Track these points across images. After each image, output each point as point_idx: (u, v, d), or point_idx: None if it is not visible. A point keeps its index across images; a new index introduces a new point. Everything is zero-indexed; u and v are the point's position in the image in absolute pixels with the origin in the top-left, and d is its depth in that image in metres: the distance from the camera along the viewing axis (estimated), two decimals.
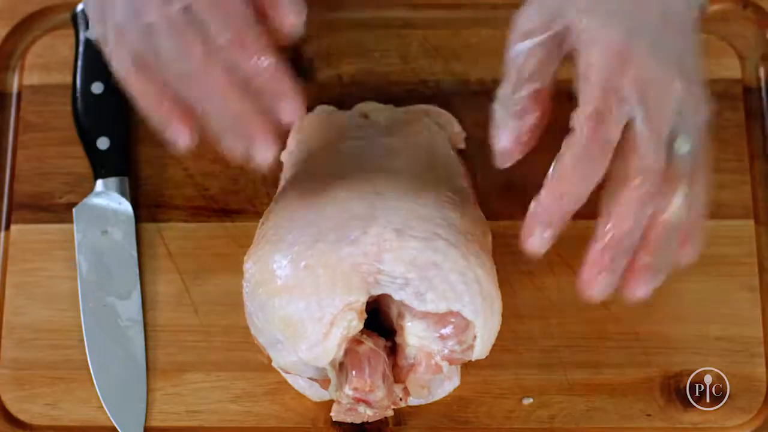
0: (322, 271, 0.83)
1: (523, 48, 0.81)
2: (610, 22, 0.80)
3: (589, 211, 0.97)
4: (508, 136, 0.81)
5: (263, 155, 0.79)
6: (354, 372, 0.83)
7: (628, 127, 0.80)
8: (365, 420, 0.86)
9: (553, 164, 0.80)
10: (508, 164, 0.82)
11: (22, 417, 0.92)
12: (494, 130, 0.82)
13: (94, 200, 0.96)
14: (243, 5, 0.79)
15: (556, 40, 0.81)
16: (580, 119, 0.79)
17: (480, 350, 0.85)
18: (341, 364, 0.84)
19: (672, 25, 0.83)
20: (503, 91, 0.82)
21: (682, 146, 0.83)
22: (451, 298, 0.83)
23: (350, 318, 0.83)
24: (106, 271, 0.95)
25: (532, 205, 0.80)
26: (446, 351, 0.84)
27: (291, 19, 0.81)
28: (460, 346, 0.84)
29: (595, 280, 0.80)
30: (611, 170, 0.80)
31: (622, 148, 0.80)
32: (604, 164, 0.79)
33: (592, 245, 0.80)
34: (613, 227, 0.80)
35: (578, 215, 0.96)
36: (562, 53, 0.81)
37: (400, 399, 0.86)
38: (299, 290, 0.83)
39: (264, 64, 0.79)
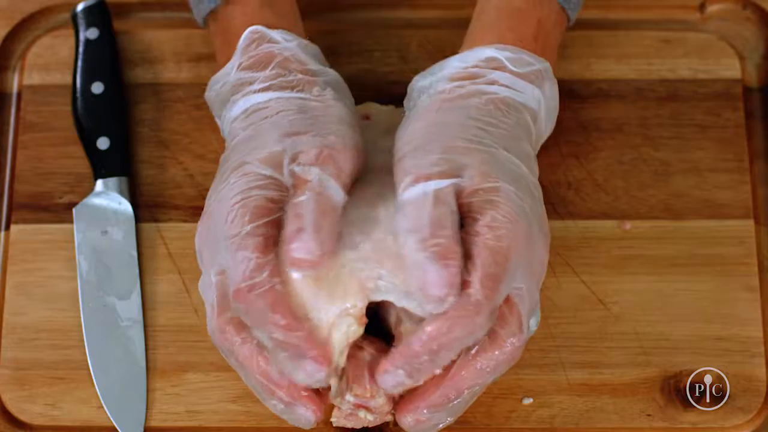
0: (321, 277, 0.83)
1: (424, 189, 0.81)
2: (505, 192, 0.82)
3: (589, 210, 0.97)
4: (444, 284, 0.79)
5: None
6: (355, 378, 0.83)
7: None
8: (365, 425, 0.86)
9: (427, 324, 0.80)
10: (442, 308, 0.80)
11: (22, 417, 0.92)
12: (423, 278, 0.79)
13: (94, 200, 0.96)
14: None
15: (453, 184, 0.82)
16: (475, 289, 0.79)
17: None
18: (342, 370, 0.84)
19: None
20: (417, 235, 0.80)
21: (533, 324, 0.87)
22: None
23: (349, 323, 0.83)
24: (106, 271, 0.95)
25: (402, 346, 0.81)
26: None
27: (303, 256, 0.80)
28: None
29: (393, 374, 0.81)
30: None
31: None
32: (486, 329, 0.81)
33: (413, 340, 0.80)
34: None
35: (578, 215, 0.97)
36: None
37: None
38: (298, 297, 0.83)
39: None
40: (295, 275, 0.82)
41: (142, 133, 1.00)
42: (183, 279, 0.95)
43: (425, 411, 0.82)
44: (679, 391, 0.92)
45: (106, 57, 1.00)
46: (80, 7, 1.01)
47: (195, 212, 0.96)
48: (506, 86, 0.87)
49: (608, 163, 0.98)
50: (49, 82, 1.01)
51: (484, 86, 0.87)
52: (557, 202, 0.96)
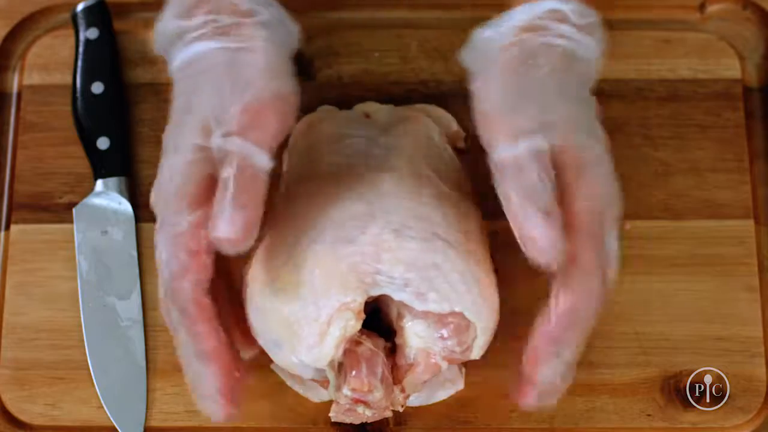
0: (318, 272, 0.83)
1: (524, 150, 0.81)
2: (588, 147, 0.83)
3: None
4: (550, 242, 0.80)
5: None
6: (352, 372, 0.83)
7: None
8: (364, 421, 0.86)
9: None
10: (551, 258, 0.80)
11: (22, 417, 0.92)
12: (532, 238, 0.80)
13: (94, 200, 0.96)
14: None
15: (546, 143, 0.82)
16: (588, 257, 0.81)
17: (479, 350, 0.85)
18: (340, 365, 0.84)
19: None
20: (522, 193, 0.81)
21: (612, 243, 0.85)
22: (453, 298, 0.83)
23: (347, 318, 0.83)
24: (106, 271, 0.95)
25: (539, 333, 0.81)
26: (446, 351, 0.84)
27: (223, 235, 0.79)
28: (461, 346, 0.84)
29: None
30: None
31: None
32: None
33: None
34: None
35: None
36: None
37: (401, 406, 0.86)
38: (296, 291, 0.83)
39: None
40: (297, 275, 0.83)
41: (142, 133, 1.00)
42: None
43: (539, 377, 0.82)
44: (679, 391, 0.92)
45: (106, 57, 1.00)
46: (80, 7, 1.01)
47: None
48: (573, 39, 0.86)
49: None
50: (49, 82, 1.01)
51: (552, 38, 0.86)
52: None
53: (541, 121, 0.82)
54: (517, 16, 0.87)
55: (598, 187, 0.82)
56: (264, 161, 0.81)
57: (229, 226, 0.78)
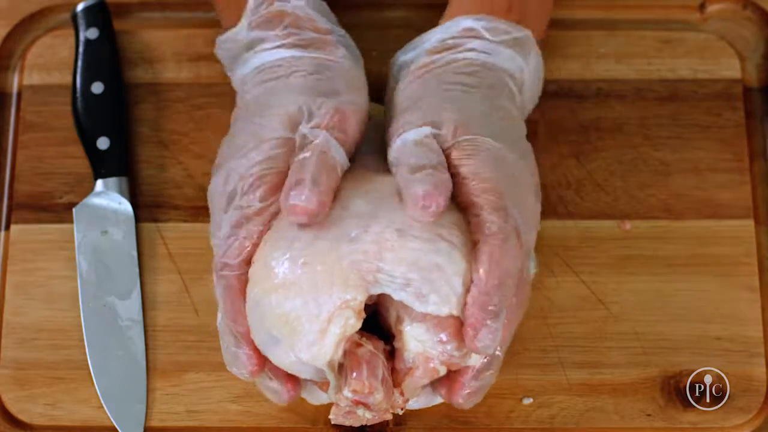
0: (320, 269, 0.83)
1: (407, 138, 0.85)
2: (480, 140, 0.85)
3: (589, 210, 0.97)
4: (429, 185, 0.82)
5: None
6: (353, 374, 0.83)
7: None
8: (364, 423, 0.86)
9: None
10: (432, 212, 0.82)
11: (22, 417, 0.92)
12: (414, 188, 0.82)
13: (94, 200, 0.96)
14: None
15: (433, 134, 0.85)
16: (491, 220, 0.82)
17: (476, 356, 0.85)
18: (340, 366, 0.84)
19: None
20: (406, 167, 0.83)
21: (531, 269, 0.88)
22: (453, 302, 0.83)
23: (348, 316, 0.83)
24: (106, 271, 0.95)
25: (471, 298, 0.82)
26: (445, 355, 0.84)
27: (302, 203, 0.83)
28: (459, 351, 0.84)
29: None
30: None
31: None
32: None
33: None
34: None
35: (578, 215, 0.97)
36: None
37: (401, 408, 0.86)
38: (296, 287, 0.83)
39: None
40: (298, 271, 0.83)
41: (142, 133, 1.00)
42: (183, 279, 0.95)
43: (490, 323, 0.83)
44: (679, 391, 0.92)
45: (106, 57, 1.00)
46: (80, 7, 1.01)
47: (195, 212, 0.97)
48: (484, 52, 0.89)
49: (608, 163, 0.98)
50: (49, 82, 1.01)
51: (462, 53, 0.89)
52: (557, 202, 0.96)
53: (430, 118, 0.85)
54: (431, 37, 0.91)
55: (490, 171, 0.83)
56: (342, 157, 0.85)
57: (311, 195, 0.82)
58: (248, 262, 0.84)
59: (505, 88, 0.89)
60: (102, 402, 0.91)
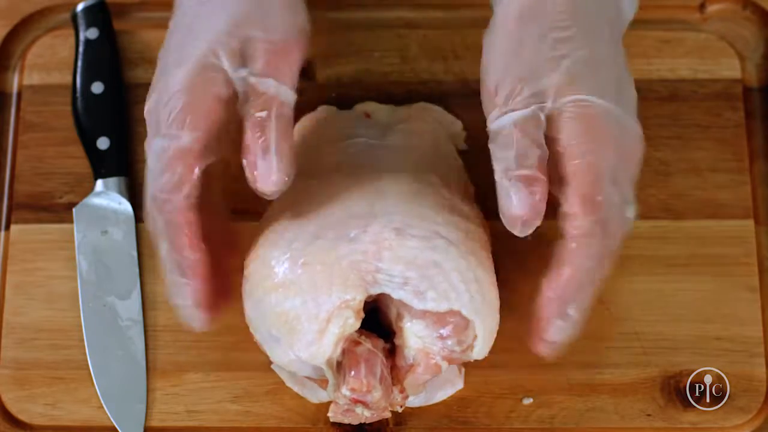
0: (320, 268, 0.83)
1: (508, 121, 0.82)
2: (588, 102, 0.82)
3: None
4: (525, 206, 0.81)
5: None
6: (352, 372, 0.83)
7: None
8: (363, 422, 0.86)
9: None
10: (529, 232, 0.81)
11: (22, 417, 0.92)
12: (507, 202, 0.81)
13: (94, 200, 0.96)
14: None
15: (537, 110, 0.82)
16: (575, 213, 0.81)
17: (480, 350, 0.85)
18: (339, 364, 0.84)
19: (619, 60, 0.85)
20: (503, 164, 0.81)
21: (630, 210, 0.85)
22: (452, 297, 0.83)
23: (347, 316, 0.83)
24: (106, 271, 0.95)
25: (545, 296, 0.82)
26: (445, 351, 0.84)
27: (266, 186, 0.83)
28: (460, 346, 0.84)
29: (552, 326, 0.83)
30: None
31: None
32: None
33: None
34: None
35: None
36: (543, 120, 0.82)
37: (400, 407, 0.86)
38: (296, 287, 0.83)
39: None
40: (298, 271, 0.83)
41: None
42: None
43: (559, 322, 0.83)
44: (679, 391, 0.92)
45: (106, 57, 1.00)
46: (80, 7, 1.01)
47: None
48: None
49: None
50: (49, 82, 1.01)
51: None
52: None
53: (533, 86, 0.82)
54: None
55: (595, 142, 0.81)
56: (292, 98, 0.83)
57: (277, 176, 0.81)
58: (188, 196, 0.82)
59: (609, 12, 0.86)
60: (102, 402, 0.91)
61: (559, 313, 0.82)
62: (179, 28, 0.87)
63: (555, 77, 0.82)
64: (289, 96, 0.83)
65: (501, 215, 0.82)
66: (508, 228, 0.82)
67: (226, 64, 0.83)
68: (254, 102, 0.82)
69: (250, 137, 0.82)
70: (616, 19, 0.87)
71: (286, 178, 0.82)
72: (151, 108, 0.84)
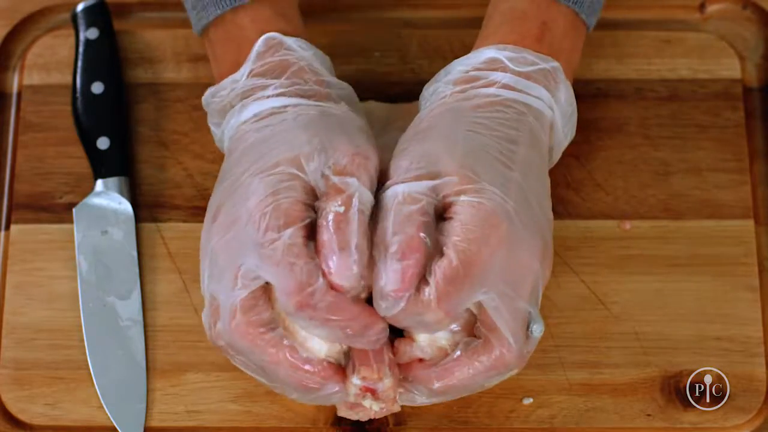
0: None
1: (402, 193, 0.82)
2: (486, 192, 0.81)
3: (589, 210, 0.97)
4: (393, 280, 0.80)
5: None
6: (361, 360, 0.83)
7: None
8: (371, 417, 0.86)
9: None
10: (396, 310, 0.81)
11: (22, 417, 0.92)
12: (379, 279, 0.80)
13: (94, 200, 0.96)
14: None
15: (434, 190, 0.82)
16: (429, 289, 0.80)
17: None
18: (346, 355, 0.84)
19: (536, 177, 0.85)
20: (380, 234, 0.81)
21: (535, 331, 0.84)
22: None
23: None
24: (106, 271, 0.95)
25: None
26: (455, 344, 0.84)
27: (342, 281, 0.81)
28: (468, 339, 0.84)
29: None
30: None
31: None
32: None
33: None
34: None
35: (578, 215, 0.97)
36: (437, 201, 0.82)
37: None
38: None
39: None
40: None
41: (142, 133, 1.00)
42: (183, 279, 0.95)
43: (407, 384, 0.84)
44: (679, 391, 0.91)
45: (106, 57, 1.00)
46: (80, 7, 1.01)
47: (195, 212, 0.96)
48: (508, 86, 0.86)
49: (608, 163, 0.98)
50: (49, 82, 1.01)
51: (483, 89, 0.86)
52: (557, 202, 0.96)
53: (431, 166, 0.82)
54: (455, 68, 0.88)
55: (474, 230, 0.80)
56: (371, 201, 0.82)
57: (356, 270, 0.80)
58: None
59: (528, 129, 0.85)
60: (102, 402, 0.91)
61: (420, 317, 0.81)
62: (242, 155, 0.85)
63: (457, 160, 0.82)
64: (368, 198, 0.82)
65: (373, 293, 0.81)
66: (377, 303, 0.81)
67: (307, 167, 0.82)
68: (335, 198, 0.81)
69: (327, 231, 0.80)
70: (535, 137, 0.87)
71: (362, 275, 0.81)
72: (216, 237, 0.83)
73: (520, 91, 0.86)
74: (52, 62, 1.02)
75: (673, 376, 0.92)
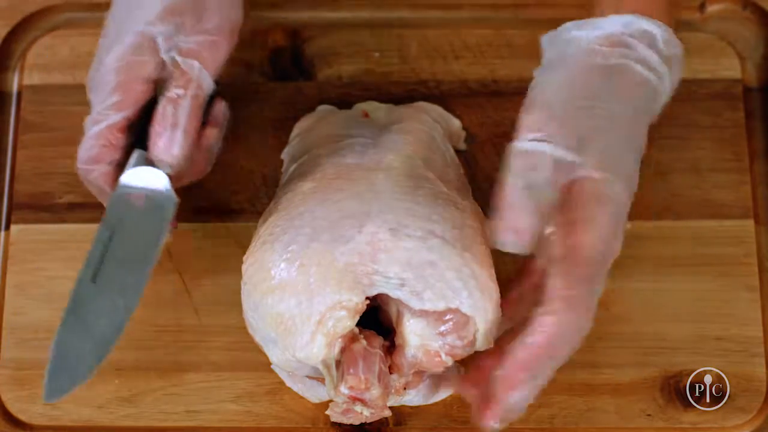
0: (314, 270, 0.83)
1: (529, 151, 0.81)
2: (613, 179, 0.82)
3: None
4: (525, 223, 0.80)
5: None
6: (350, 370, 0.83)
7: None
8: (363, 421, 0.86)
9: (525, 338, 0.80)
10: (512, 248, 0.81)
11: (22, 417, 0.92)
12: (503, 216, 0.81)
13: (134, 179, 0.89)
14: None
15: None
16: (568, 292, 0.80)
17: (482, 342, 0.85)
18: (338, 364, 0.84)
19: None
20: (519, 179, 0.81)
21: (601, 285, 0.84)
22: (448, 295, 0.83)
23: (341, 316, 0.83)
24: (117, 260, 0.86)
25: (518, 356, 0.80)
26: (447, 347, 0.84)
27: (164, 156, 0.87)
28: (461, 341, 0.84)
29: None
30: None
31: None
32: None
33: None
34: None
35: None
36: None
37: (404, 388, 0.86)
38: (292, 289, 0.84)
39: None
40: (294, 273, 0.83)
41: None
42: (183, 279, 0.95)
43: (511, 400, 0.81)
44: (679, 391, 0.92)
45: None
46: None
47: (195, 212, 0.96)
48: (653, 69, 0.85)
49: None
50: (49, 82, 1.01)
51: (632, 63, 0.85)
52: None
53: (573, 133, 0.81)
54: (608, 26, 0.86)
55: (605, 227, 0.81)
56: (211, 86, 0.89)
57: (175, 149, 0.87)
58: (110, 164, 0.88)
59: (651, 116, 0.86)
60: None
61: (528, 376, 0.80)
62: (118, 7, 0.91)
63: (599, 142, 0.82)
64: (208, 82, 0.88)
65: (491, 218, 0.81)
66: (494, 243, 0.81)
67: (158, 45, 0.88)
68: (175, 79, 0.88)
69: (162, 110, 0.87)
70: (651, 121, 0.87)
71: (185, 156, 0.87)
72: (90, 79, 0.90)
73: (659, 77, 0.86)
74: (52, 62, 1.02)
75: (673, 376, 0.92)
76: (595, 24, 0.87)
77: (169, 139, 0.87)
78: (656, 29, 0.86)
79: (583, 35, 0.86)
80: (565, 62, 0.86)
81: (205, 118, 0.90)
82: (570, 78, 0.85)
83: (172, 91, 0.87)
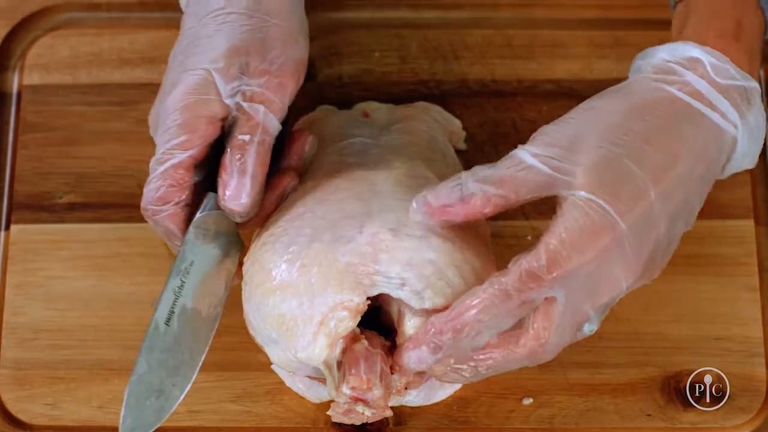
0: (316, 271, 0.83)
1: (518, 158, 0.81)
2: (601, 196, 0.79)
3: None
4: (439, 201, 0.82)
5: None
6: (352, 370, 0.83)
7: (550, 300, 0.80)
8: (364, 421, 0.86)
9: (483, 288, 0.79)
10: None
11: (22, 417, 0.92)
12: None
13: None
14: None
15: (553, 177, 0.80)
16: (520, 266, 0.78)
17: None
18: (339, 364, 0.84)
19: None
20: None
21: (586, 329, 0.83)
22: (448, 293, 0.83)
23: (342, 317, 0.83)
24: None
25: (428, 323, 0.80)
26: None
27: (234, 206, 0.86)
28: None
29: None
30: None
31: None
32: (515, 319, 0.80)
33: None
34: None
35: None
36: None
37: (405, 388, 0.86)
38: (293, 289, 0.84)
39: None
40: (295, 274, 0.83)
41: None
42: None
43: (425, 349, 0.81)
44: (679, 391, 0.92)
45: None
46: None
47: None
48: (697, 94, 0.82)
49: None
50: (49, 82, 1.01)
51: (672, 88, 0.82)
52: None
53: (565, 159, 0.79)
54: (658, 54, 0.84)
55: (574, 237, 0.78)
56: (277, 128, 0.87)
57: (243, 198, 0.85)
58: (179, 205, 0.86)
59: (701, 146, 0.81)
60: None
61: (432, 346, 0.80)
62: (181, 45, 0.89)
63: (595, 166, 0.79)
64: (274, 125, 0.86)
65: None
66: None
67: (221, 87, 0.86)
68: (240, 125, 0.86)
69: (229, 157, 0.85)
70: (705, 154, 0.83)
71: (254, 204, 0.86)
72: (151, 121, 0.89)
73: (707, 104, 0.82)
74: (52, 62, 1.02)
75: (673, 376, 0.92)
76: (648, 54, 0.84)
77: (236, 187, 0.85)
78: (702, 55, 0.83)
79: (640, 65, 0.84)
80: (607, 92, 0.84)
81: (282, 160, 0.89)
82: (592, 99, 0.83)
83: (238, 138, 0.85)
